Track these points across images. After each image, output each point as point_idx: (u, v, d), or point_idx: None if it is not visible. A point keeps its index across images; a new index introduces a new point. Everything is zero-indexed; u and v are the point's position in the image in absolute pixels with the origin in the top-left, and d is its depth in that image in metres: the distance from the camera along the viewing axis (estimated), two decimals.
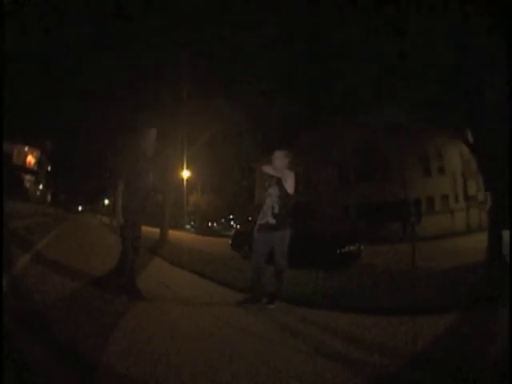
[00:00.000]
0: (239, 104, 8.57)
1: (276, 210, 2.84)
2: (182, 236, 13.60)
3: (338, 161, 17.01)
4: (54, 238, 7.62)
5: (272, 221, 2.85)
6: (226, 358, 1.71)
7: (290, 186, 2.85)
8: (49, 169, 32.64)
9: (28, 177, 25.28)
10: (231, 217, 17.26)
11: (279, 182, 2.88)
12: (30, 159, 26.39)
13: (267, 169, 2.93)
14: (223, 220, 18.11)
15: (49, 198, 34.06)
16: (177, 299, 2.98)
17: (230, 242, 7.66)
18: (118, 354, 1.69)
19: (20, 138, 23.45)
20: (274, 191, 2.89)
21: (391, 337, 2.10)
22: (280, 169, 2.89)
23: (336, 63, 7.23)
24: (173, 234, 10.26)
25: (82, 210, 53.24)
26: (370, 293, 3.32)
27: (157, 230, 9.06)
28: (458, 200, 16.15)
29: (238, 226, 13.40)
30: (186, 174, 15.97)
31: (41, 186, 30.64)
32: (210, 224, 18.01)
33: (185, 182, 13.86)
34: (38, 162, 28.02)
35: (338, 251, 5.93)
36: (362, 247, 6.58)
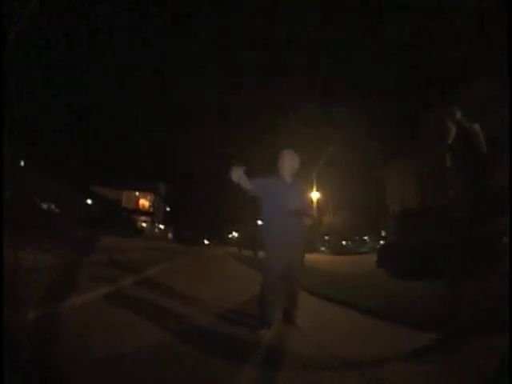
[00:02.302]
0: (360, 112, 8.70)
1: None
2: (319, 258, 12.83)
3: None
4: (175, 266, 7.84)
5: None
6: None
7: None
8: (167, 209, 37.76)
9: (143, 218, 30.10)
10: (364, 233, 16.49)
11: None
12: (143, 202, 31.81)
13: None
14: (357, 237, 17.01)
15: (170, 235, 40.15)
16: (321, 348, 1.97)
17: (376, 258, 6.99)
18: None
19: (130, 185, 28.38)
20: None
21: None
22: None
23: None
24: (308, 257, 8.81)
25: (208, 244, 55.09)
26: None
27: None
28: None
29: (381, 242, 11.87)
30: (315, 195, 16.17)
31: (162, 226, 35.81)
32: (344, 243, 16.93)
33: (315, 204, 13.86)
34: (153, 205, 32.50)
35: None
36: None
